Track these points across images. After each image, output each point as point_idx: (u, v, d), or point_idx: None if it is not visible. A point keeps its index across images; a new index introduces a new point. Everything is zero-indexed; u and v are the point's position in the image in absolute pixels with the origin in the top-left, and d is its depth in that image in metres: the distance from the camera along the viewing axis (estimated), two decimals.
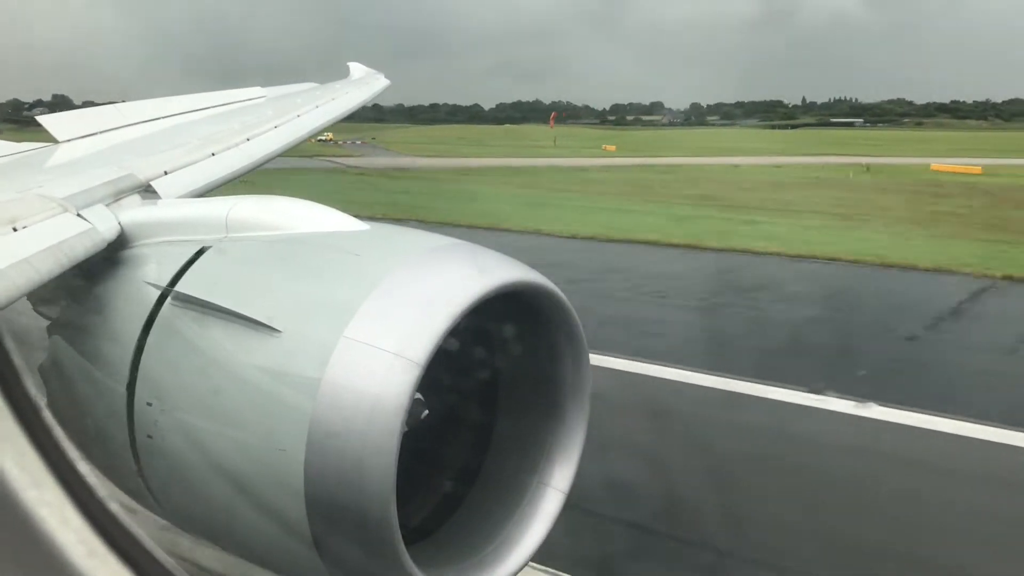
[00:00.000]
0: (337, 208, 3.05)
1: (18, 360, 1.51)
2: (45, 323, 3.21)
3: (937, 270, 20.46)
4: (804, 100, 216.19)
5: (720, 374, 10.87)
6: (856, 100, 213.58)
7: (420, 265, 2.62)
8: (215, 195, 4.09)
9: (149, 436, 2.64)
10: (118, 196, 3.37)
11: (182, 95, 6.80)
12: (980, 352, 14.21)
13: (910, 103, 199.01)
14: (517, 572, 2.83)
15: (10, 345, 1.58)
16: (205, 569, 3.28)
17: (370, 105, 9.71)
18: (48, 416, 1.46)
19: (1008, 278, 19.23)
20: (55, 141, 5.31)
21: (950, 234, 26.85)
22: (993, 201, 37.56)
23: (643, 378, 10.57)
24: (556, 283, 2.77)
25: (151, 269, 2.91)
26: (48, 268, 2.57)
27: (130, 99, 6.64)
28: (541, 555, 2.92)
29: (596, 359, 3.05)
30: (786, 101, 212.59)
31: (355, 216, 3.00)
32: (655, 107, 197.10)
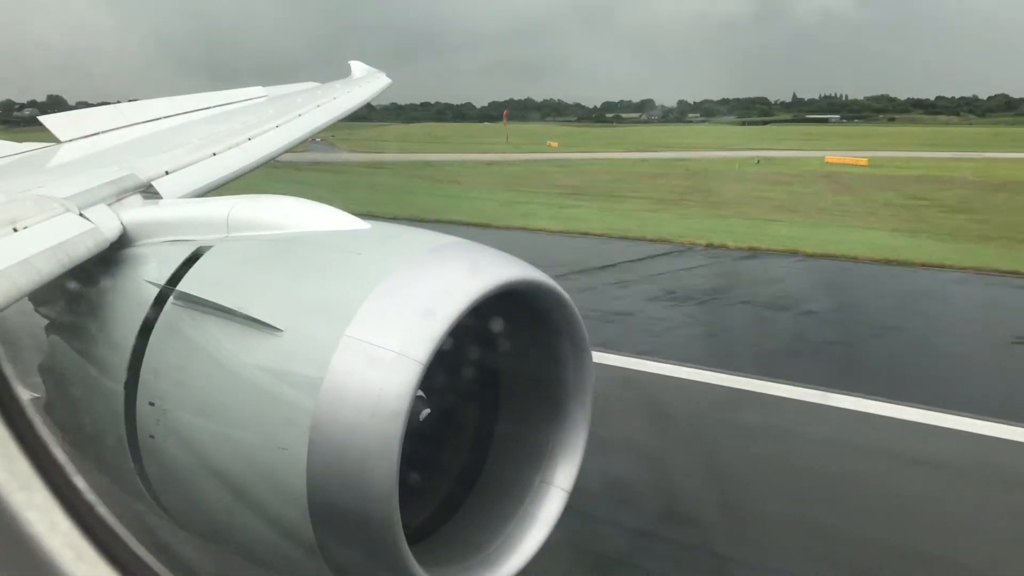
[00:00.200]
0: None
1: (6, 361, 1.50)
2: (46, 323, 3.22)
3: (660, 240, 22.19)
4: (794, 96, 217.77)
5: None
6: (845, 96, 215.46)
7: (421, 264, 2.62)
8: (216, 195, 4.09)
9: (151, 436, 2.64)
10: (120, 196, 3.37)
11: (182, 95, 6.81)
12: (599, 290, 15.84)
13: (892, 99, 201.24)
14: (520, 570, 2.83)
15: None
16: (200, 572, 3.28)
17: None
18: (37, 418, 1.45)
19: (710, 245, 21.38)
20: (57, 141, 5.32)
21: (737, 213, 28.78)
22: (829, 187, 39.43)
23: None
24: None
25: (153, 269, 2.91)
26: (50, 268, 2.57)
27: (125, 100, 6.65)
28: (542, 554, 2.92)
29: (598, 356, 3.05)
30: (772, 98, 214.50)
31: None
32: (645, 104, 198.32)
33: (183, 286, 2.71)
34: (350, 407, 2.30)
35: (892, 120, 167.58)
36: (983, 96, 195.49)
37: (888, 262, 18.89)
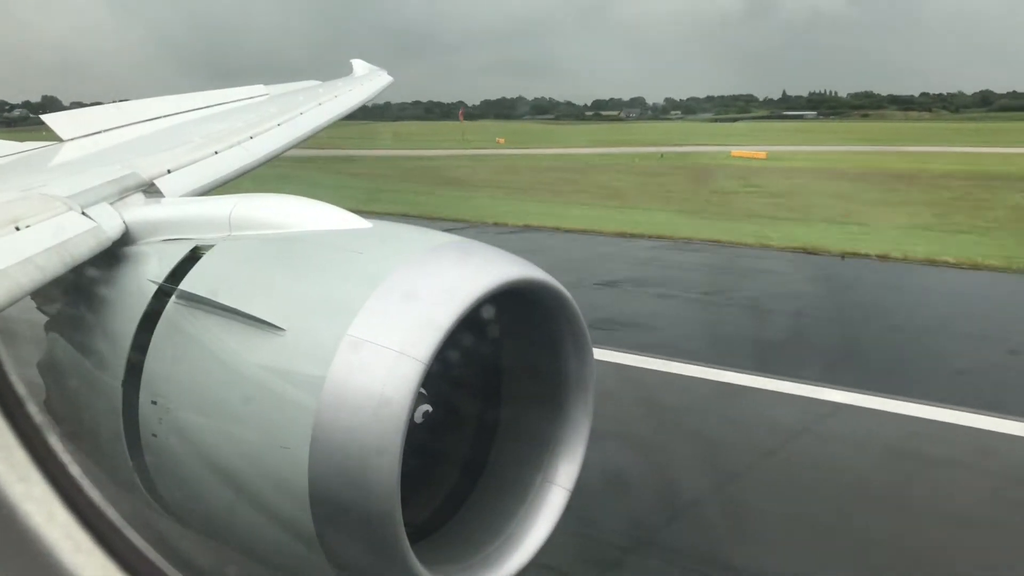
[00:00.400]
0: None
1: (5, 356, 1.51)
2: (49, 321, 3.22)
3: (459, 220, 24.15)
4: (784, 93, 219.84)
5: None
6: (835, 93, 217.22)
7: (423, 262, 2.62)
8: (218, 193, 4.09)
9: (153, 435, 2.65)
10: (122, 195, 3.37)
11: (184, 94, 6.81)
12: None
13: (870, 96, 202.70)
14: (521, 570, 2.84)
15: None
16: (196, 563, 3.29)
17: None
18: (36, 411, 1.46)
19: (497, 223, 23.80)
20: (59, 139, 5.32)
21: (563, 200, 31.80)
22: (689, 179, 42.68)
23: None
24: None
25: (155, 268, 2.91)
26: (52, 267, 2.58)
27: (122, 101, 6.66)
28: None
29: (600, 354, 3.05)
30: (763, 95, 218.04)
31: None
32: (635, 102, 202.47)
33: (185, 285, 2.72)
34: (352, 406, 2.30)
35: (865, 116, 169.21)
36: (968, 92, 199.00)
37: (621, 235, 21.68)
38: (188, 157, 4.34)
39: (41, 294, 3.02)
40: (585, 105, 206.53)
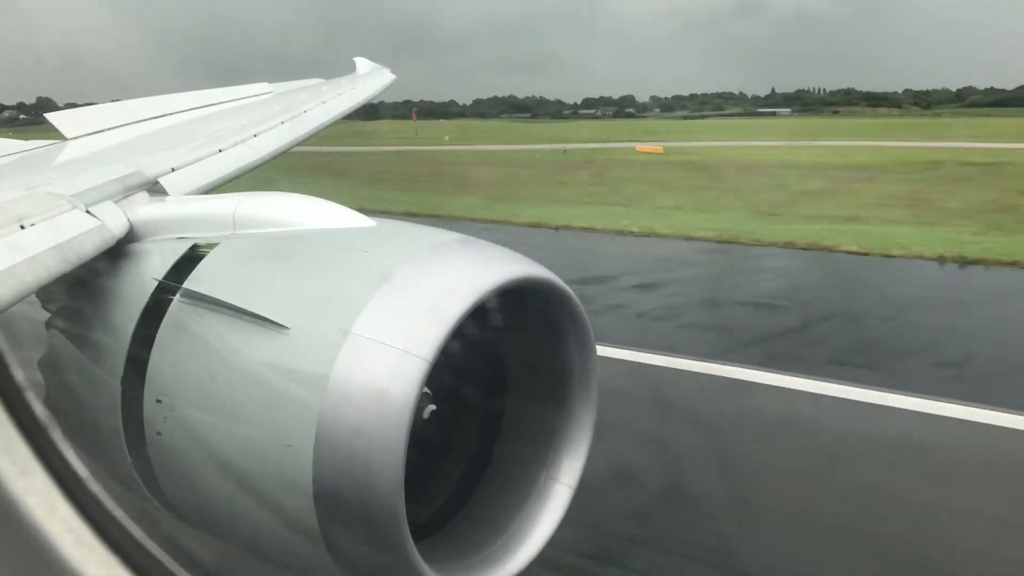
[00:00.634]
0: None
1: (7, 350, 1.51)
2: (53, 319, 3.23)
3: None
4: (773, 90, 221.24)
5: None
6: (824, 90, 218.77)
7: (427, 261, 2.62)
8: (222, 191, 4.09)
9: (158, 433, 2.65)
10: (126, 193, 3.38)
11: (188, 93, 6.82)
12: None
13: (847, 92, 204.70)
14: (524, 568, 2.84)
15: None
16: (199, 558, 3.30)
17: None
18: (38, 405, 1.46)
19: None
20: (63, 138, 5.33)
21: (432, 190, 34.69)
22: (563, 171, 46.15)
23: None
24: None
25: (160, 266, 2.91)
26: (57, 265, 2.58)
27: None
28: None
29: (603, 351, 3.05)
30: (750, 92, 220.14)
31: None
32: (625, 100, 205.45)
33: (189, 283, 2.72)
34: (356, 405, 2.31)
35: (836, 113, 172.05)
36: (952, 88, 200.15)
37: (409, 214, 23.03)
38: (192, 155, 4.34)
39: (45, 292, 3.03)
40: (575, 103, 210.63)
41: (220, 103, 7.00)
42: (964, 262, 17.92)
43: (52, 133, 5.41)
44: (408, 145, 72.42)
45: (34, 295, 2.67)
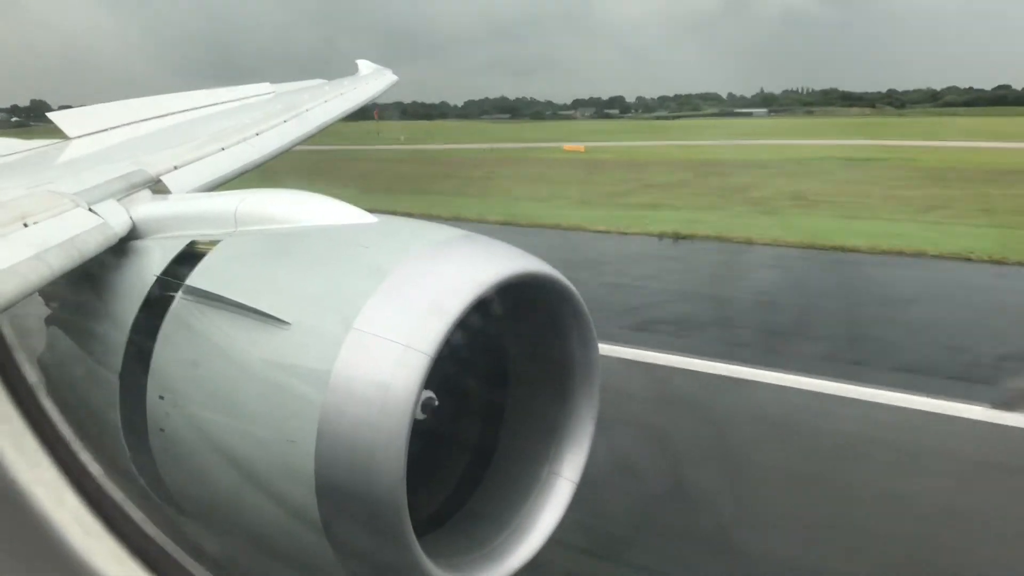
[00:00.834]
0: None
1: (16, 346, 1.52)
2: (55, 316, 3.24)
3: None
4: (762, 90, 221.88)
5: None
6: (811, 90, 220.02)
7: (429, 257, 2.63)
8: (225, 189, 4.11)
9: (161, 429, 2.66)
10: (129, 191, 3.39)
11: (190, 92, 6.84)
12: None
13: (825, 92, 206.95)
14: (527, 563, 2.84)
15: (7, 331, 1.59)
16: (204, 549, 3.32)
17: None
18: (46, 399, 1.47)
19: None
20: (66, 137, 5.35)
21: (331, 183, 36.21)
22: (470, 165, 49.43)
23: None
24: None
25: (162, 263, 2.92)
26: (60, 263, 2.59)
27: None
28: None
29: (605, 349, 3.06)
30: (738, 93, 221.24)
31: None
32: (615, 101, 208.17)
33: (192, 280, 2.73)
34: (358, 400, 2.31)
35: (810, 113, 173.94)
36: (938, 88, 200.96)
37: None
38: (194, 154, 4.35)
39: (49, 290, 3.04)
40: (564, 104, 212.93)
41: (222, 103, 7.02)
42: (677, 237, 21.37)
43: (55, 132, 5.43)
44: (357, 144, 73.39)
45: (38, 293, 2.68)
